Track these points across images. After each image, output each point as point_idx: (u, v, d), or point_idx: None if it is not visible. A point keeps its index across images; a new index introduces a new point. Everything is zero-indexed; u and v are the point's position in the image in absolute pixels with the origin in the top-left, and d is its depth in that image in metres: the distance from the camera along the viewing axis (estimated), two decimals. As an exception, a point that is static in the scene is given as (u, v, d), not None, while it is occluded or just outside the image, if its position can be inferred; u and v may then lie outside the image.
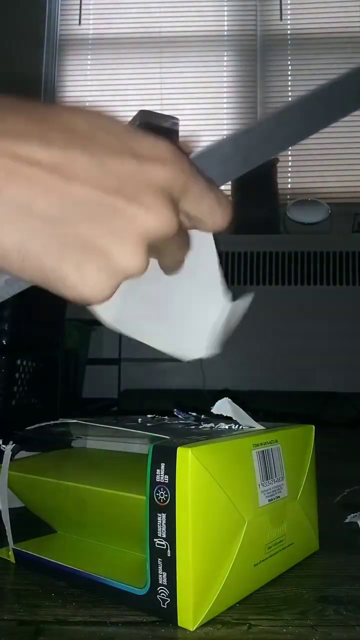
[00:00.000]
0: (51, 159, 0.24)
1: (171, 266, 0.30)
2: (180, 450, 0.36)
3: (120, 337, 1.99)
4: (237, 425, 0.47)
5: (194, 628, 0.36)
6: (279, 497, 0.43)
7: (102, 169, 0.25)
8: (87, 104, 2.38)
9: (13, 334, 1.03)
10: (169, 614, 0.36)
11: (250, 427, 0.46)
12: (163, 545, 0.36)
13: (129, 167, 0.25)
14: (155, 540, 0.37)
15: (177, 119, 1.78)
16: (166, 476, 0.36)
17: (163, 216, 0.25)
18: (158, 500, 0.37)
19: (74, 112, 0.26)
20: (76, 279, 0.25)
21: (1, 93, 0.25)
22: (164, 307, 0.32)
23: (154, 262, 0.29)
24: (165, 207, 0.25)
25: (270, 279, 2.09)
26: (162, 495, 0.36)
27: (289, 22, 2.27)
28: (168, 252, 0.29)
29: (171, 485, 0.36)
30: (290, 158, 2.30)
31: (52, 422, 0.49)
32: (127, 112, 1.78)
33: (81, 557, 0.44)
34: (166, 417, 0.52)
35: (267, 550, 0.42)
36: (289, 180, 2.30)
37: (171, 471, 0.36)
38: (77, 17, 2.36)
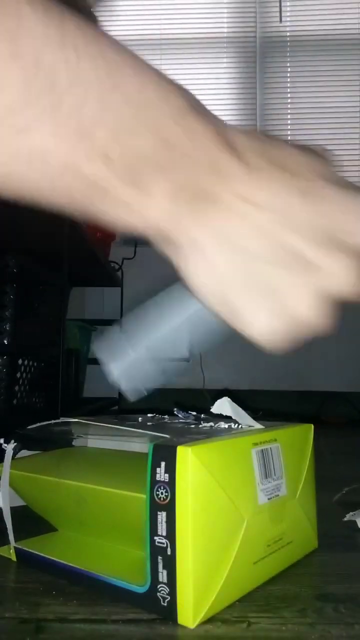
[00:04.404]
0: (274, 203, 0.26)
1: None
2: (180, 449, 0.36)
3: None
4: (236, 425, 0.47)
5: (194, 626, 0.36)
6: (278, 495, 0.43)
7: (315, 220, 0.26)
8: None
9: (14, 334, 1.03)
10: (169, 612, 0.37)
11: (249, 426, 0.46)
12: (163, 544, 0.37)
13: (338, 224, 0.27)
14: (155, 538, 0.37)
15: None
16: (166, 475, 0.37)
17: (352, 277, 0.27)
18: (158, 498, 0.37)
19: (296, 151, 0.28)
20: (252, 318, 0.27)
21: None
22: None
23: None
24: (357, 269, 0.27)
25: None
26: (162, 493, 0.37)
27: (288, 24, 2.27)
28: None
29: (171, 484, 0.36)
30: None
31: (53, 422, 0.49)
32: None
33: (82, 555, 0.45)
34: (166, 417, 0.53)
35: (267, 548, 0.42)
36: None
37: (171, 470, 0.36)
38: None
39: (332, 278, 0.26)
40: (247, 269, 0.26)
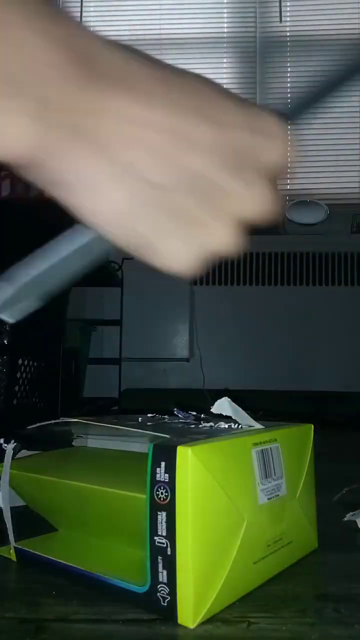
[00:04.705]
0: (172, 123, 0.23)
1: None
2: (180, 449, 0.36)
3: (121, 338, 2.00)
4: (236, 425, 0.47)
5: (194, 626, 0.36)
6: (278, 495, 0.44)
7: (221, 141, 0.24)
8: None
9: (15, 333, 1.03)
10: (169, 612, 0.37)
11: (249, 427, 0.46)
12: (163, 544, 0.37)
13: (243, 142, 0.25)
14: (155, 538, 0.37)
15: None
16: (166, 475, 0.37)
17: (264, 197, 0.25)
18: (158, 498, 0.37)
19: (198, 77, 0.25)
20: (165, 247, 0.25)
21: None
22: None
23: None
24: (267, 189, 0.25)
25: (270, 279, 2.09)
26: (162, 493, 0.37)
27: (288, 24, 2.27)
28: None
29: (171, 484, 0.36)
30: (289, 159, 2.30)
31: (53, 422, 0.49)
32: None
33: (82, 556, 0.45)
34: (166, 417, 0.53)
35: (267, 549, 0.42)
36: (288, 181, 2.31)
37: (171, 470, 0.36)
38: (78, 18, 2.37)
39: (244, 201, 0.25)
40: (149, 196, 0.24)
